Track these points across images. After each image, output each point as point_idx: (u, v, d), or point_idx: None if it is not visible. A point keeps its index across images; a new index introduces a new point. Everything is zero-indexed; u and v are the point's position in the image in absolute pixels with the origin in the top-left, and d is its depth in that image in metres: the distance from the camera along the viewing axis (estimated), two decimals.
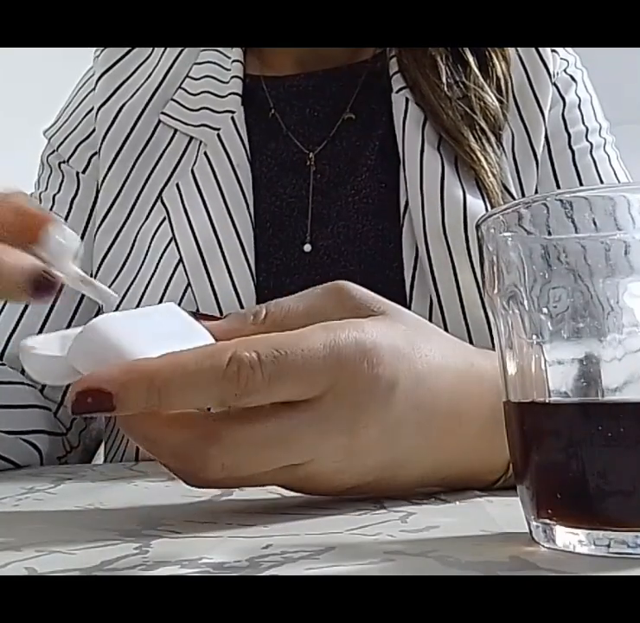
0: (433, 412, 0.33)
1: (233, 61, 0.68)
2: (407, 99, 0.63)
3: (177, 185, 0.63)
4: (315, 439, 0.30)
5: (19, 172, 1.00)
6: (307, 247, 0.61)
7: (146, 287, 0.61)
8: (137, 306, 0.62)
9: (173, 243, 0.61)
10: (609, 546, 0.23)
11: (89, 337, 0.29)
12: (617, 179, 0.65)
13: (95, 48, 0.71)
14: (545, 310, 0.25)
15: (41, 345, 0.32)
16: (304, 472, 0.31)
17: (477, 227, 0.28)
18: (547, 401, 0.25)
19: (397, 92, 0.64)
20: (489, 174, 0.60)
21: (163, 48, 0.70)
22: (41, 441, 0.61)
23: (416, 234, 0.58)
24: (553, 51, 0.65)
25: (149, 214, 0.64)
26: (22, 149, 1.06)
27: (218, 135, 0.64)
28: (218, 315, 0.35)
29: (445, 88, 0.62)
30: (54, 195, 0.69)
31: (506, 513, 0.31)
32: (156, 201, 0.64)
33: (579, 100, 0.66)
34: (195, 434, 0.29)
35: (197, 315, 0.34)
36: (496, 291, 0.27)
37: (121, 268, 0.64)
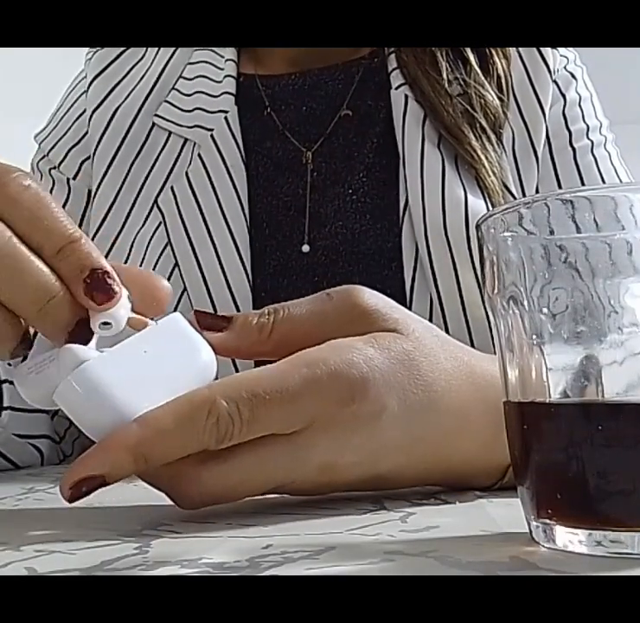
0: (423, 437, 0.33)
1: (227, 60, 0.67)
2: (407, 96, 0.62)
3: (172, 188, 0.62)
4: (292, 469, 0.31)
5: None
6: (305, 248, 0.60)
7: None
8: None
9: (169, 248, 0.60)
10: (609, 546, 0.23)
11: (75, 385, 0.29)
12: (619, 177, 0.65)
13: (87, 51, 0.70)
14: (545, 310, 0.25)
15: (36, 367, 0.32)
16: (283, 489, 0.32)
17: (477, 227, 0.28)
18: (547, 401, 0.25)
19: (396, 88, 0.63)
20: (490, 172, 0.59)
21: (156, 49, 0.69)
22: (45, 446, 0.61)
23: (416, 234, 0.58)
24: (552, 48, 0.65)
25: (145, 219, 0.63)
26: (22, 149, 1.06)
27: (211, 136, 0.63)
28: (222, 314, 0.34)
29: (446, 85, 0.61)
30: None
31: (506, 513, 0.31)
32: (152, 205, 0.63)
33: (580, 98, 0.66)
34: (174, 472, 0.30)
35: (202, 319, 0.34)
36: (495, 291, 0.27)
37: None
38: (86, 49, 0.71)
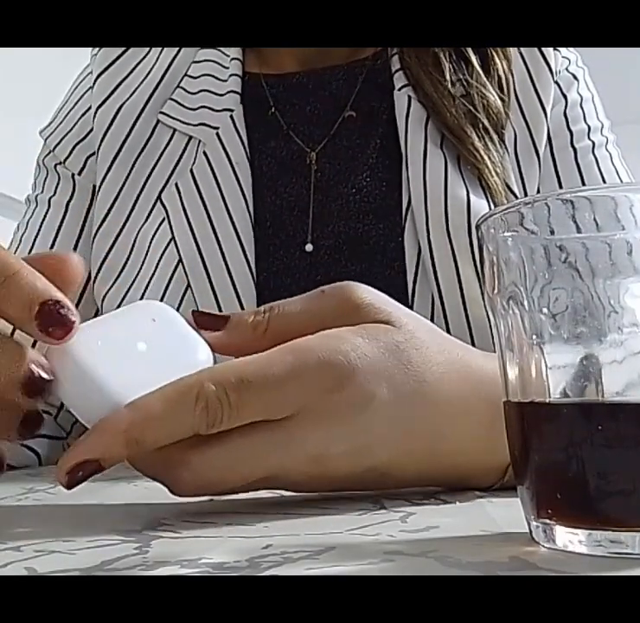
0: (414, 428, 0.33)
1: (232, 58, 0.67)
2: (410, 97, 0.62)
3: (176, 185, 0.63)
4: (282, 456, 0.31)
5: (19, 172, 1.00)
6: (309, 247, 0.61)
7: (146, 288, 0.61)
8: None
9: (172, 244, 0.60)
10: (609, 546, 0.23)
11: (69, 371, 0.29)
12: (620, 178, 0.65)
13: (92, 49, 0.70)
14: (545, 310, 0.25)
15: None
16: (276, 481, 0.33)
17: (477, 227, 0.28)
18: (547, 401, 0.25)
19: (399, 89, 0.63)
20: (493, 173, 0.59)
21: (161, 47, 0.69)
22: (40, 445, 0.61)
23: (419, 234, 0.58)
24: (554, 49, 0.65)
25: (148, 215, 0.63)
26: (22, 149, 1.06)
27: (217, 134, 0.64)
28: (219, 313, 0.35)
29: (448, 86, 0.61)
30: (50, 198, 0.68)
31: (506, 513, 0.31)
32: (155, 202, 0.63)
33: (581, 99, 0.66)
34: (166, 457, 0.30)
35: (199, 318, 0.34)
36: (495, 291, 0.27)
37: (121, 270, 0.63)
38: (89, 49, 0.71)
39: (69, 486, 0.29)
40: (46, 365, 0.29)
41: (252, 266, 0.59)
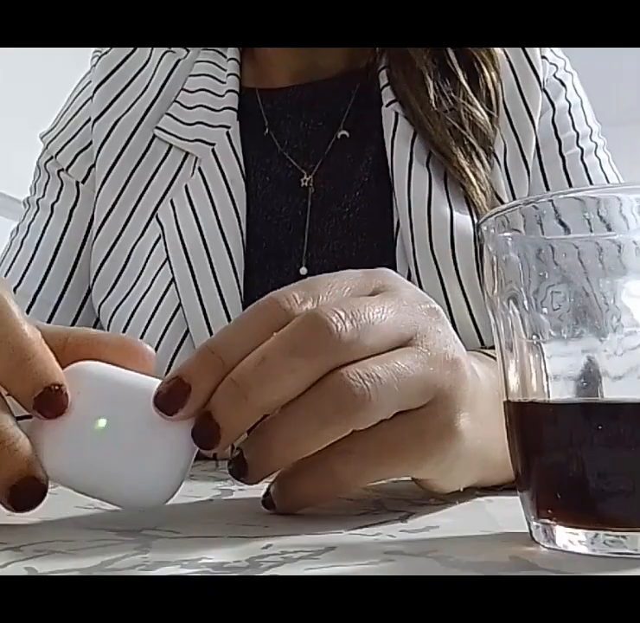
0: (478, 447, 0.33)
1: (229, 74, 0.67)
2: (397, 114, 0.62)
3: (171, 201, 0.63)
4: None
5: (19, 173, 1.00)
6: (303, 270, 0.60)
7: (138, 304, 0.61)
8: (129, 320, 0.61)
9: (167, 263, 0.60)
10: (609, 546, 0.23)
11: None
12: (608, 182, 0.65)
13: (93, 52, 0.70)
14: (545, 310, 0.25)
15: None
16: None
17: (478, 227, 0.28)
18: (547, 401, 0.25)
19: (387, 105, 0.63)
20: (479, 191, 0.59)
21: (159, 56, 0.68)
22: None
23: (406, 253, 0.58)
24: (542, 57, 0.65)
25: (144, 230, 0.63)
26: (22, 149, 1.06)
27: (213, 150, 0.63)
28: None
29: (433, 103, 0.61)
30: (53, 204, 0.68)
31: (506, 513, 0.31)
32: (151, 217, 0.63)
33: (569, 105, 0.66)
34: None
35: None
36: (495, 291, 0.27)
37: (115, 282, 0.63)
38: (89, 49, 0.70)
39: (162, 407, 0.29)
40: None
41: (241, 285, 0.59)
